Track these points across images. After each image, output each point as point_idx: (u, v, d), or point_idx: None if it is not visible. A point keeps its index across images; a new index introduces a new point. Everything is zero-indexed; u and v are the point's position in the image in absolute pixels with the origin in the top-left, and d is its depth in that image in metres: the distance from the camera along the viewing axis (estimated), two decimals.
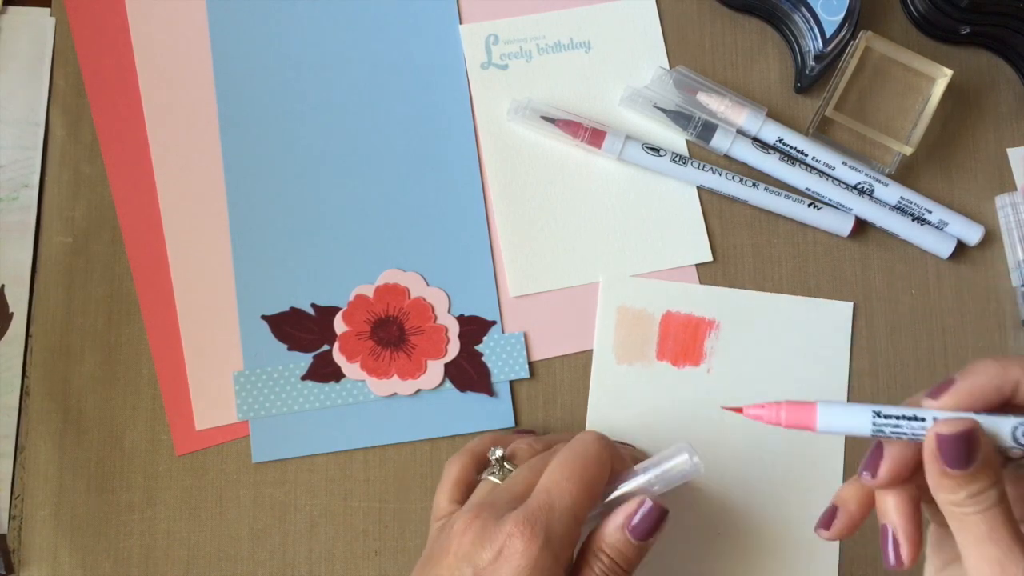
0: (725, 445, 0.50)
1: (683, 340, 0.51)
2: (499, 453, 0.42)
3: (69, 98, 0.53)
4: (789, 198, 0.52)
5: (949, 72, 0.52)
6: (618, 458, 0.41)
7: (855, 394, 0.52)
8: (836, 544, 0.49)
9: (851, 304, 0.52)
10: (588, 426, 0.50)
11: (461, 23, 0.54)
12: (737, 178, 0.52)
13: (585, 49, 0.54)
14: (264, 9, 0.54)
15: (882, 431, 0.34)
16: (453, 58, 0.54)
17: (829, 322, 0.51)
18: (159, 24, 0.53)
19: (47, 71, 0.53)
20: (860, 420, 0.34)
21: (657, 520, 0.40)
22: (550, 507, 0.38)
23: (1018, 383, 0.34)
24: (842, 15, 0.51)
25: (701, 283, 0.52)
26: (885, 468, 0.35)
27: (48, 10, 0.54)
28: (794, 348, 0.51)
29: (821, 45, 0.51)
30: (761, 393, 0.50)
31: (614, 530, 0.40)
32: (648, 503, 0.39)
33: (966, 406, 0.34)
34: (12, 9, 0.54)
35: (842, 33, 0.51)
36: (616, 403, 0.50)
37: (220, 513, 0.50)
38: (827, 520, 0.37)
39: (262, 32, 0.54)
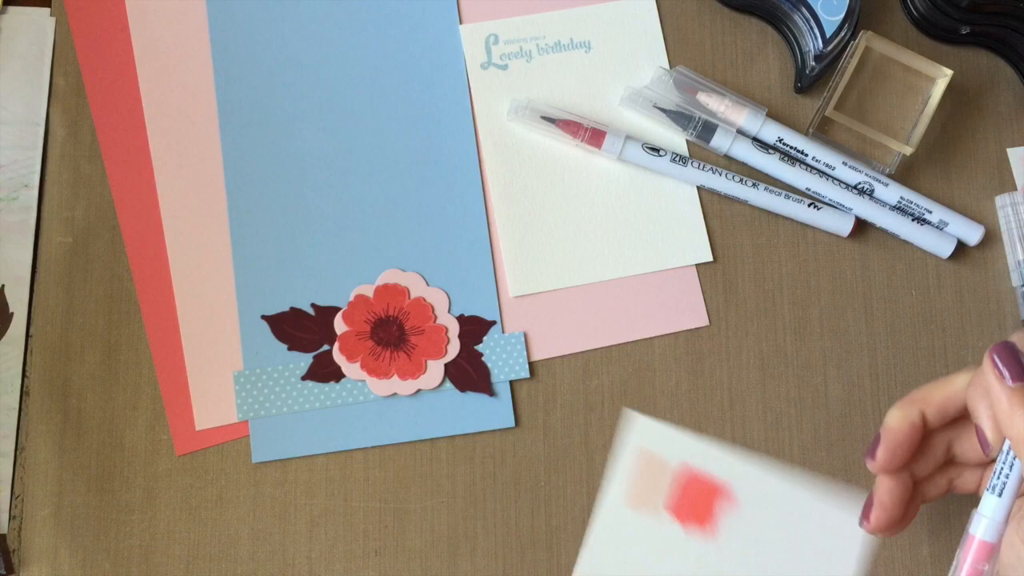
0: None
1: (693, 501, 0.48)
2: None
3: (69, 98, 0.53)
4: (789, 198, 0.52)
5: (949, 72, 0.52)
6: None
7: (854, 394, 0.52)
8: None
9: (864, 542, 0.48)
10: (580, 559, 0.48)
11: (461, 23, 0.54)
12: (737, 178, 0.52)
13: (585, 49, 0.54)
14: (264, 9, 0.54)
15: None
16: (453, 58, 0.54)
17: (842, 532, 0.47)
18: (159, 24, 0.53)
19: (47, 71, 0.53)
20: None
21: None
22: None
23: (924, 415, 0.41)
24: (842, 15, 0.51)
25: (701, 284, 0.52)
26: (882, 453, 0.41)
27: (48, 10, 0.54)
28: (801, 544, 0.48)
29: (821, 45, 0.51)
30: (758, 560, 0.47)
31: None
32: None
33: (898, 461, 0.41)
34: (12, 9, 0.54)
35: (842, 33, 0.51)
36: (616, 545, 0.48)
37: (220, 513, 0.50)
38: (867, 511, 0.42)
39: (262, 32, 0.54)
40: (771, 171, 0.53)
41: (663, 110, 0.53)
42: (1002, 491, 0.40)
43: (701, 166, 0.52)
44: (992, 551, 0.41)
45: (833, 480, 0.49)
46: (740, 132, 0.53)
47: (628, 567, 0.47)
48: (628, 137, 0.52)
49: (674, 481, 0.48)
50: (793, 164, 0.52)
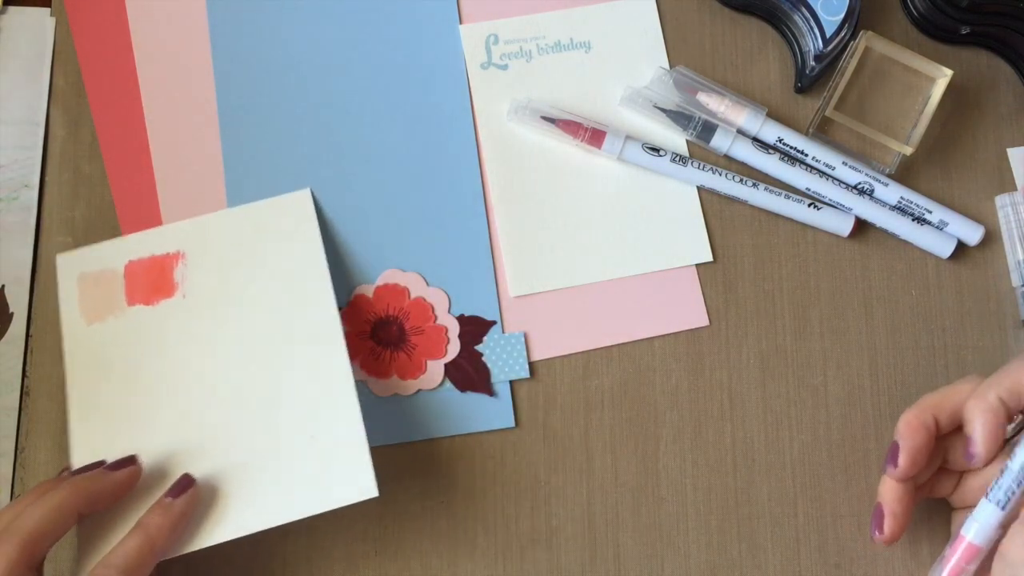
0: (217, 368, 0.48)
1: (151, 280, 0.49)
2: None
3: (69, 98, 0.53)
4: (789, 198, 0.52)
5: (949, 72, 0.52)
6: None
7: (854, 394, 0.52)
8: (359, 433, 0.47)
9: (307, 191, 0.51)
10: (70, 398, 0.48)
11: (461, 23, 0.54)
12: (737, 178, 0.52)
13: (585, 49, 0.54)
14: (264, 9, 0.54)
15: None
16: (453, 58, 0.54)
17: (291, 219, 0.50)
18: (159, 24, 0.53)
19: (47, 71, 0.53)
20: None
21: None
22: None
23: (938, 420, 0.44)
24: (842, 15, 0.51)
25: (701, 284, 0.52)
26: (904, 459, 0.43)
27: (48, 10, 0.54)
28: (265, 255, 0.49)
29: (821, 45, 0.51)
30: (246, 308, 0.48)
31: None
32: None
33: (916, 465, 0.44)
34: (12, 9, 0.54)
35: (842, 33, 0.51)
36: (95, 363, 0.48)
37: None
38: (879, 523, 0.44)
39: (262, 32, 0.54)
40: (771, 171, 0.53)
41: (663, 110, 0.53)
42: (1005, 504, 0.41)
43: (701, 166, 0.52)
44: (978, 554, 0.42)
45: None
46: (740, 132, 0.53)
47: (120, 375, 0.48)
48: (628, 137, 0.52)
49: (125, 280, 0.49)
50: (793, 164, 0.52)
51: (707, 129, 0.52)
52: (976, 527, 0.42)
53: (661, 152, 0.52)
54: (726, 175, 0.52)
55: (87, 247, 0.50)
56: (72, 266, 0.50)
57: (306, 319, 0.48)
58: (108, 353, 0.49)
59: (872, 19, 0.55)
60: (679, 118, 0.52)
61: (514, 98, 0.53)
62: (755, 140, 0.53)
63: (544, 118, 0.52)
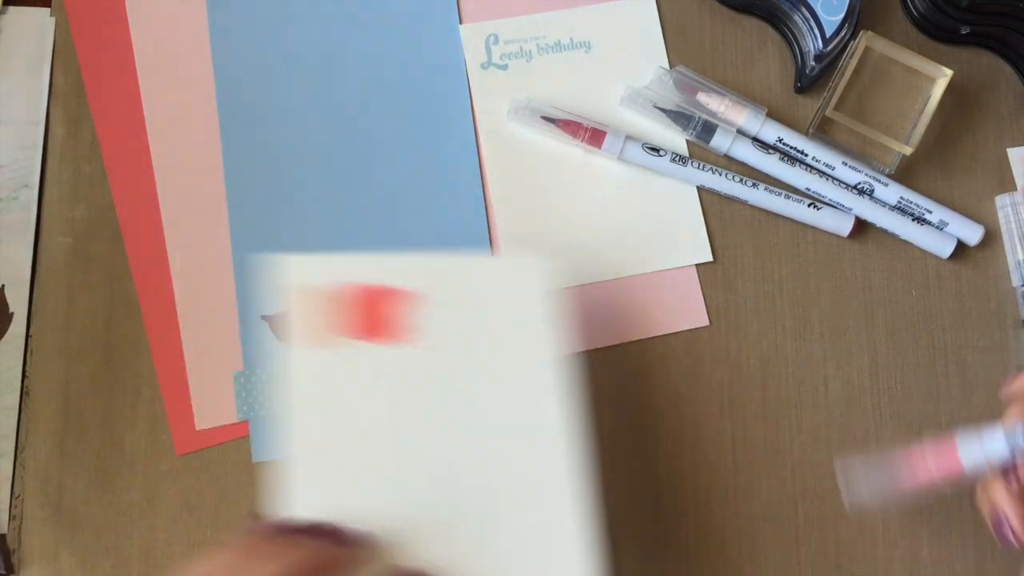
0: (438, 425, 0.44)
1: (380, 315, 0.45)
2: None
3: (69, 98, 0.53)
4: (789, 198, 0.52)
5: (949, 72, 0.52)
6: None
7: (854, 394, 0.52)
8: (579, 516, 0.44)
9: (546, 259, 0.46)
10: (294, 423, 0.43)
11: (461, 23, 0.54)
12: (737, 178, 0.52)
13: (585, 49, 0.54)
14: (264, 9, 0.54)
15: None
16: (453, 58, 0.54)
17: (529, 280, 0.46)
18: (159, 24, 0.53)
19: (47, 71, 0.53)
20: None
21: None
22: None
23: None
24: (842, 15, 0.51)
25: (701, 284, 0.52)
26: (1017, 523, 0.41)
27: (48, 10, 0.54)
28: (500, 312, 0.45)
29: (821, 45, 0.51)
30: (472, 364, 0.45)
31: None
32: None
33: None
34: (12, 9, 0.54)
35: (842, 33, 0.51)
36: (317, 392, 0.44)
37: (220, 513, 0.50)
38: (1002, 529, 0.42)
39: (262, 32, 0.54)
40: (771, 171, 0.53)
41: (663, 110, 0.53)
42: (1014, 452, 0.40)
43: (701, 166, 0.52)
44: (958, 474, 0.41)
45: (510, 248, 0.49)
46: (740, 132, 0.53)
47: (341, 406, 0.43)
48: (628, 137, 0.52)
49: (353, 306, 0.45)
50: (793, 164, 0.52)
51: (707, 129, 0.52)
52: (975, 452, 0.41)
53: (661, 152, 0.52)
54: (726, 175, 0.52)
55: (316, 255, 0.45)
56: (298, 273, 0.45)
57: (533, 392, 0.44)
58: (326, 383, 0.44)
59: (872, 19, 0.55)
60: (679, 118, 0.52)
61: (514, 98, 0.53)
62: (755, 140, 0.53)
63: (544, 118, 0.52)
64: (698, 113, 0.52)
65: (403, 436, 0.43)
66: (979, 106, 0.55)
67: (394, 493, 0.42)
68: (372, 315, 0.45)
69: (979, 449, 0.41)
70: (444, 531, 0.42)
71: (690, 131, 0.52)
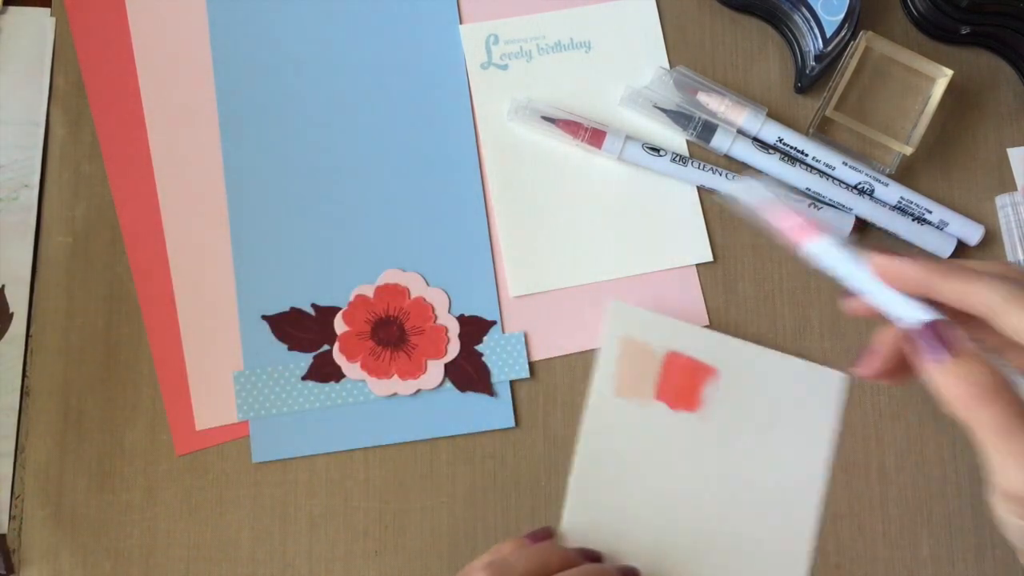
0: (704, 491, 0.49)
1: (683, 384, 0.50)
2: None
3: (69, 98, 0.53)
4: (789, 199, 0.52)
5: (949, 72, 0.52)
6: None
7: (854, 394, 0.52)
8: None
9: (844, 376, 0.50)
10: (577, 451, 0.49)
11: (461, 23, 0.54)
12: (736, 178, 0.52)
13: (585, 49, 0.54)
14: (264, 9, 0.54)
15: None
16: (453, 58, 0.54)
17: (821, 390, 0.50)
18: (159, 24, 0.53)
19: (47, 71, 0.53)
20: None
21: None
22: None
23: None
24: (842, 15, 0.51)
25: (701, 284, 0.52)
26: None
27: (48, 10, 0.54)
28: (785, 410, 0.50)
29: (821, 45, 0.51)
30: (748, 449, 0.49)
31: None
32: None
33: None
34: (12, 9, 0.54)
35: (842, 33, 0.51)
36: (608, 435, 0.50)
37: (220, 513, 0.50)
38: (863, 359, 0.39)
39: (262, 32, 0.54)
40: (771, 171, 0.53)
41: (663, 110, 0.53)
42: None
43: (701, 166, 0.52)
44: (813, 234, 0.38)
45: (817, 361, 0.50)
46: (740, 132, 0.53)
47: (621, 454, 0.49)
48: (628, 137, 0.52)
49: (662, 368, 0.50)
50: (793, 164, 0.52)
51: (707, 129, 0.52)
52: (826, 248, 0.38)
53: (661, 152, 0.52)
54: (726, 175, 0.52)
55: (642, 310, 0.50)
56: (621, 319, 0.50)
57: (792, 488, 0.49)
58: (621, 432, 0.49)
59: (872, 19, 0.55)
60: (679, 118, 0.52)
61: (514, 98, 0.53)
62: (755, 140, 0.53)
63: (544, 118, 0.52)
64: (698, 113, 0.52)
65: (667, 488, 0.49)
66: (979, 106, 0.55)
67: (650, 537, 0.48)
68: (675, 382, 0.50)
69: (833, 254, 0.38)
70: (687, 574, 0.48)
71: (690, 131, 0.52)
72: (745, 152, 0.52)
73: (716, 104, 0.52)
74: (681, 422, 0.50)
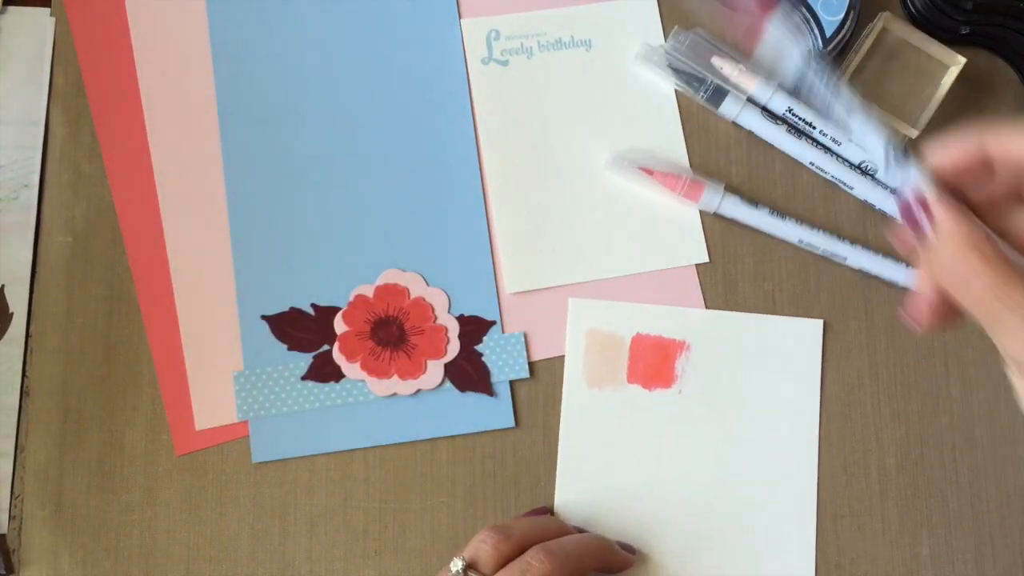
0: (694, 465, 0.50)
1: (654, 362, 0.51)
2: (460, 564, 0.42)
3: (69, 98, 0.53)
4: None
5: (962, 60, 0.52)
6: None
7: (853, 394, 0.52)
8: (810, 556, 0.50)
9: (821, 322, 0.51)
10: (560, 451, 0.50)
11: (461, 18, 0.54)
12: (845, 238, 0.52)
13: (586, 47, 0.54)
14: (264, 8, 0.54)
15: None
16: (453, 54, 0.54)
17: (800, 341, 0.51)
18: (159, 24, 0.53)
19: (47, 71, 0.53)
20: None
21: None
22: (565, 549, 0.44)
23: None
24: (842, 15, 0.51)
25: (701, 283, 0.52)
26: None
27: (48, 10, 0.54)
28: (765, 368, 0.51)
29: (821, 45, 0.51)
30: (732, 414, 0.50)
31: None
32: None
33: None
34: (12, 9, 0.54)
35: (842, 33, 0.51)
36: (587, 427, 0.50)
37: (220, 513, 0.50)
38: (910, 305, 0.36)
39: (262, 29, 0.54)
40: (777, 142, 0.52)
41: (677, 71, 0.52)
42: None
43: (799, 222, 0.52)
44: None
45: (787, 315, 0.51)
46: (750, 100, 0.52)
47: (604, 445, 0.50)
48: (727, 191, 0.52)
49: (630, 351, 0.50)
50: (799, 137, 0.52)
51: (718, 93, 0.52)
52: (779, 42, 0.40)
53: (759, 206, 0.52)
54: (824, 234, 0.52)
55: (600, 301, 0.51)
56: (583, 315, 0.51)
57: (787, 438, 0.50)
58: (600, 423, 0.50)
59: (872, 19, 0.54)
60: (691, 80, 0.52)
61: (613, 150, 0.53)
62: (764, 110, 0.53)
63: (642, 169, 0.52)
64: (711, 77, 0.52)
65: (659, 468, 0.50)
66: (979, 106, 0.55)
67: (648, 519, 0.49)
68: (645, 363, 0.51)
69: (783, 45, 0.40)
70: (687, 550, 0.49)
71: (701, 94, 0.52)
72: (753, 120, 0.52)
73: (729, 69, 0.52)
74: (659, 400, 0.50)
